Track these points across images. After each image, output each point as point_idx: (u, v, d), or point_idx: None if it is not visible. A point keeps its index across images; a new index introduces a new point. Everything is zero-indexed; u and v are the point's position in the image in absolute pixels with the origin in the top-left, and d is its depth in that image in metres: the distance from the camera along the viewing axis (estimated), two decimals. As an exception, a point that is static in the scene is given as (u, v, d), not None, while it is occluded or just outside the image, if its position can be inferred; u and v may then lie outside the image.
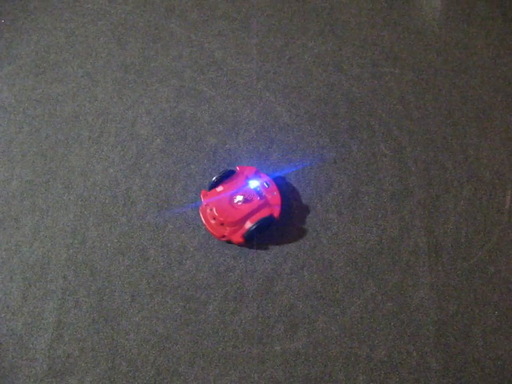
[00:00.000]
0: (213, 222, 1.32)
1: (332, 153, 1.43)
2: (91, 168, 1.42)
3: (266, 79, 1.53)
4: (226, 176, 1.36)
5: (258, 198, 1.33)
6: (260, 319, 1.26)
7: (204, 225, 1.33)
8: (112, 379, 1.21)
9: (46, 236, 1.35)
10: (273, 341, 1.24)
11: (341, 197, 1.38)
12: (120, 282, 1.30)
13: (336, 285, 1.29)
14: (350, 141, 1.45)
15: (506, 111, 1.48)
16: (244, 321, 1.26)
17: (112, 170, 1.42)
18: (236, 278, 1.30)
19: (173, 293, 1.28)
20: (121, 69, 1.55)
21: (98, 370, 1.22)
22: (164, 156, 1.43)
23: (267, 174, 1.38)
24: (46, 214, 1.37)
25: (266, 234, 1.34)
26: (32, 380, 1.21)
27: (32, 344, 1.24)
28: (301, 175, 1.40)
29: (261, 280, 1.30)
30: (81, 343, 1.24)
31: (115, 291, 1.29)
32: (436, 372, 1.21)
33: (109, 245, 1.33)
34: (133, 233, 1.34)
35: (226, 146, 1.44)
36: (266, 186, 1.35)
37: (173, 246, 1.33)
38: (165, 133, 1.46)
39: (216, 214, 1.30)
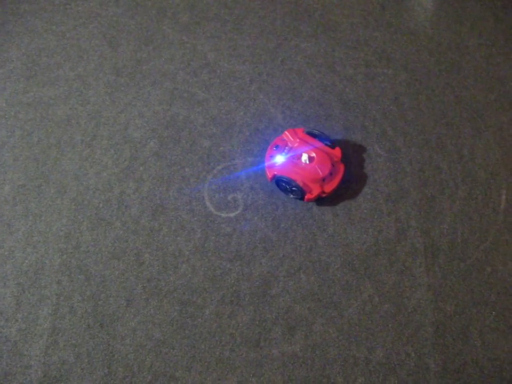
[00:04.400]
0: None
1: (327, 155, 1.42)
2: (84, 172, 1.41)
3: (259, 80, 1.53)
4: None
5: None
6: (257, 322, 1.25)
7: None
8: (108, 385, 1.20)
9: (39, 241, 1.33)
10: (271, 344, 1.23)
11: (336, 198, 1.37)
12: (115, 287, 1.28)
13: (333, 287, 1.28)
14: (344, 142, 1.44)
15: (500, 111, 1.48)
16: (240, 324, 1.25)
17: (105, 174, 1.40)
18: (232, 281, 1.29)
19: (168, 297, 1.27)
20: (113, 71, 1.54)
21: (94, 376, 1.21)
22: (158, 159, 1.42)
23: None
24: (39, 219, 1.35)
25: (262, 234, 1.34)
26: (27, 387, 1.20)
27: (27, 351, 1.23)
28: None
29: (257, 283, 1.29)
30: (76, 348, 1.23)
31: (110, 296, 1.27)
32: (434, 373, 1.21)
33: (103, 249, 1.32)
34: (127, 237, 1.33)
35: (220, 148, 1.43)
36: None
37: (168, 249, 1.32)
38: (158, 136, 1.45)
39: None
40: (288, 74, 1.53)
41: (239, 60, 1.56)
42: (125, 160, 1.42)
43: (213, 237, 1.33)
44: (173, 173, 1.40)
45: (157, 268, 1.30)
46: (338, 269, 1.30)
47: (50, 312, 1.26)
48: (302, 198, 1.35)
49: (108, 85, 1.52)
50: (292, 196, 1.36)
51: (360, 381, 1.20)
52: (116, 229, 1.34)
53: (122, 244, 1.33)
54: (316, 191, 1.33)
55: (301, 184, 1.31)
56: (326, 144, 1.37)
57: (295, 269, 1.30)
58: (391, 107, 1.49)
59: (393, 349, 1.23)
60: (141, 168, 1.41)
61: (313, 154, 1.34)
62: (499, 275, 1.30)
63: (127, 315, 1.26)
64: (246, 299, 1.27)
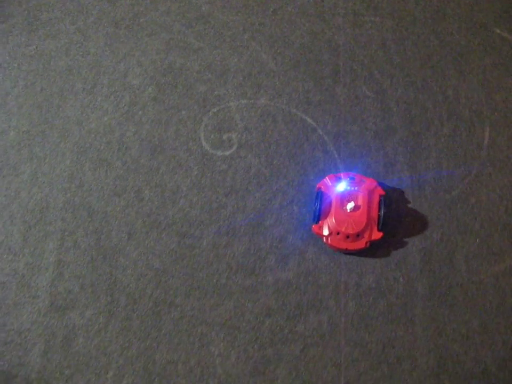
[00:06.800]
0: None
1: (317, 96, 1.48)
2: (86, 117, 1.47)
3: (252, 30, 1.58)
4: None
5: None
6: (252, 251, 1.31)
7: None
8: (111, 312, 1.26)
9: (44, 182, 1.39)
10: (265, 272, 1.30)
11: (326, 136, 1.43)
12: (116, 222, 1.35)
13: (325, 218, 1.35)
14: (334, 85, 1.50)
15: (482, 54, 1.53)
16: (236, 254, 1.31)
17: (106, 119, 1.46)
18: (228, 214, 1.35)
19: (167, 230, 1.34)
20: (112, 24, 1.60)
21: (98, 304, 1.27)
22: (156, 104, 1.48)
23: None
24: (44, 161, 1.42)
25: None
26: (36, 315, 1.26)
27: (34, 282, 1.29)
28: (288, 116, 1.46)
29: (252, 215, 1.35)
30: (81, 279, 1.29)
31: (112, 230, 1.34)
32: (421, 296, 1.27)
33: (105, 187, 1.38)
34: (127, 176, 1.39)
35: (215, 93, 1.49)
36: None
37: (166, 186, 1.38)
38: (156, 82, 1.51)
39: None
40: (279, 24, 1.59)
41: (232, 11, 1.61)
42: (124, 105, 1.48)
43: (209, 174, 1.39)
44: (170, 116, 1.46)
45: (156, 203, 1.37)
46: (329, 201, 1.36)
47: (55, 246, 1.33)
48: (314, 222, 1.31)
49: (107, 36, 1.58)
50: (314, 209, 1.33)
51: (351, 304, 1.27)
52: (117, 169, 1.40)
53: (123, 182, 1.39)
54: (324, 232, 1.30)
55: (322, 216, 1.30)
56: (378, 221, 1.31)
57: (288, 201, 1.36)
58: (378, 52, 1.54)
59: (382, 274, 1.29)
60: (140, 112, 1.47)
61: (357, 211, 1.30)
62: (483, 205, 1.36)
63: (128, 247, 1.32)
64: (241, 230, 1.33)
